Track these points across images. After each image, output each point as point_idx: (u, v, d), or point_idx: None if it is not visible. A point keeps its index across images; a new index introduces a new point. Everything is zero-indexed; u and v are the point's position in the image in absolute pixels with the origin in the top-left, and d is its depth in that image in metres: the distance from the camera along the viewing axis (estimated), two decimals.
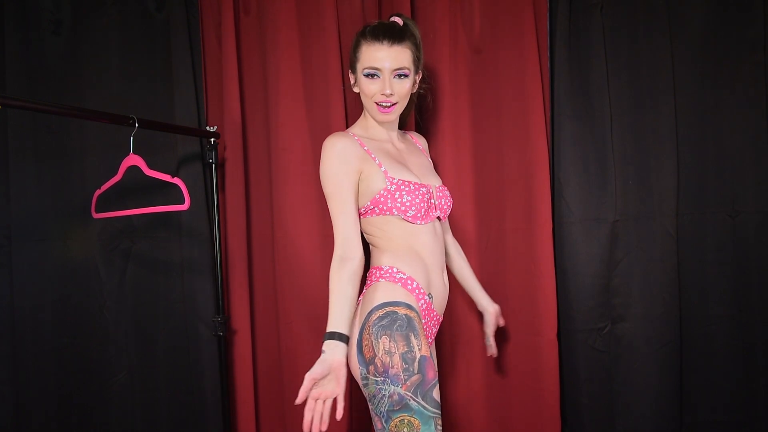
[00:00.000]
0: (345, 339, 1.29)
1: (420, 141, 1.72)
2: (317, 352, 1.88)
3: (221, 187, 1.96)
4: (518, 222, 1.88)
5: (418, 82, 1.55)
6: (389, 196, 1.42)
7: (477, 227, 1.91)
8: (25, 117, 1.94)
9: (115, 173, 1.67)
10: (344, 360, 1.27)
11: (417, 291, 1.43)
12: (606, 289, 1.84)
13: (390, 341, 1.33)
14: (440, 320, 1.54)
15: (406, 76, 1.45)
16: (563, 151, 1.84)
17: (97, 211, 1.75)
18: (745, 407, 1.82)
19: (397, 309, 1.37)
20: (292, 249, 1.90)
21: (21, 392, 1.96)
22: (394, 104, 1.46)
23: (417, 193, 1.44)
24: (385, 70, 1.43)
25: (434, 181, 1.56)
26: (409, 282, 1.43)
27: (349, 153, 1.43)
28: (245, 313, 1.94)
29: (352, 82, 1.54)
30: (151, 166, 1.64)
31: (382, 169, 1.44)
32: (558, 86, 1.84)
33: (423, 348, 1.34)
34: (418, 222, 1.46)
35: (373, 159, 1.45)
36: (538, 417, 1.86)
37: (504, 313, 1.89)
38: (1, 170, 1.95)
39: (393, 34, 1.43)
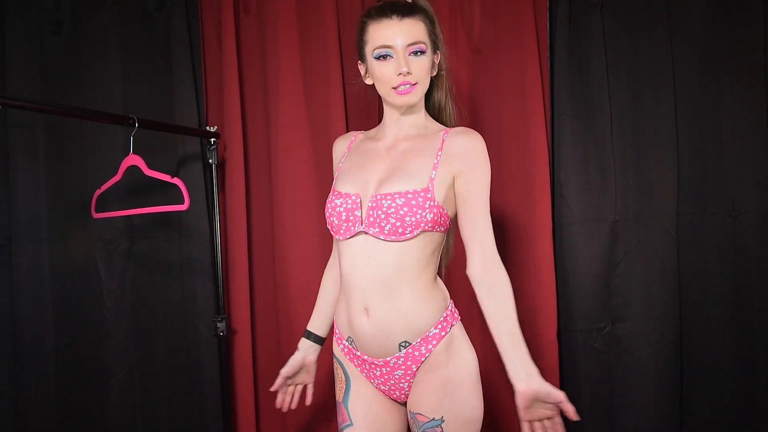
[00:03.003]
0: (320, 340, 1.50)
1: (454, 138, 1.32)
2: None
3: (221, 187, 1.96)
4: (518, 222, 1.88)
5: (437, 64, 1.36)
6: None
7: None
8: (25, 117, 1.94)
9: (115, 173, 1.67)
10: (315, 359, 1.51)
11: (336, 335, 1.41)
12: (606, 289, 1.84)
13: None
14: (376, 361, 1.31)
15: (423, 52, 1.27)
16: (563, 150, 1.84)
17: (97, 211, 1.74)
18: (745, 407, 1.81)
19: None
20: (292, 249, 1.90)
21: (21, 392, 1.96)
22: (414, 84, 1.27)
23: (333, 204, 1.32)
24: (398, 47, 1.25)
25: (386, 188, 1.26)
26: (335, 325, 1.43)
27: (334, 155, 1.48)
28: (245, 313, 1.94)
29: (362, 73, 1.36)
30: (151, 166, 1.64)
31: (335, 175, 1.40)
32: (558, 86, 1.84)
33: (337, 393, 1.41)
34: (338, 237, 1.33)
35: (341, 163, 1.40)
36: None
37: None
38: (1, 170, 1.95)
39: (402, 8, 1.27)
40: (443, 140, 1.32)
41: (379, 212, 1.24)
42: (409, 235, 1.24)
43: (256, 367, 1.99)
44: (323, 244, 1.89)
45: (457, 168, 1.29)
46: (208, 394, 1.92)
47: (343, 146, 1.46)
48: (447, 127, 1.40)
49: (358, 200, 1.28)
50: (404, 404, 1.40)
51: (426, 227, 1.24)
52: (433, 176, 1.27)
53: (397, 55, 1.25)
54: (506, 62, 1.87)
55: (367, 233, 1.26)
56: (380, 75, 1.28)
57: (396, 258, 1.26)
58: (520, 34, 1.84)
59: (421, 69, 1.27)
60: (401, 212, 1.23)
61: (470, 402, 1.29)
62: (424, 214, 1.23)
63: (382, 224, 1.23)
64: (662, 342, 1.81)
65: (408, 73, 1.25)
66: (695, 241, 1.82)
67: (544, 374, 1.83)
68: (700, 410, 1.83)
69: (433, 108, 1.43)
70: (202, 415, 1.94)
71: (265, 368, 2.00)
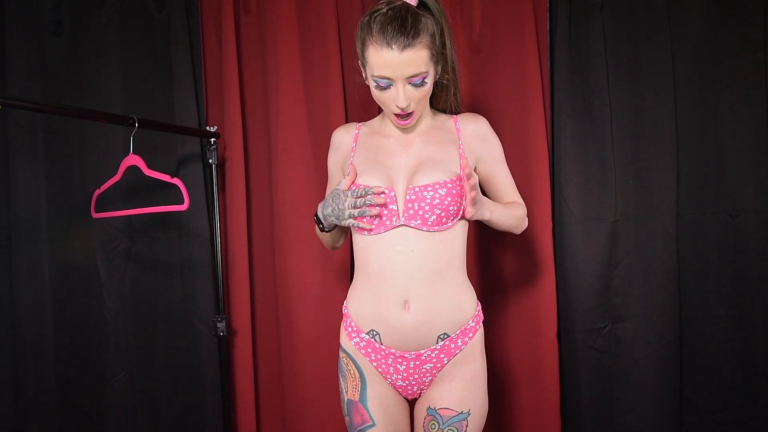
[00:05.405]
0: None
1: (465, 126, 1.41)
2: (318, 352, 1.89)
3: (221, 187, 1.96)
4: None
5: (439, 71, 1.32)
6: None
7: (477, 227, 1.91)
8: (25, 117, 1.94)
9: (114, 173, 1.67)
10: None
11: (350, 329, 1.37)
12: (606, 289, 1.84)
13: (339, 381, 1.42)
14: (407, 355, 1.31)
15: (423, 80, 1.25)
16: (563, 151, 1.84)
17: (96, 211, 1.75)
18: (745, 407, 1.81)
19: (340, 350, 1.41)
20: (293, 249, 1.90)
21: (21, 392, 1.96)
22: (413, 112, 1.30)
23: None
24: (398, 80, 1.23)
25: (422, 180, 1.28)
26: (345, 319, 1.40)
27: (336, 145, 1.47)
28: (245, 313, 1.94)
29: (363, 76, 1.33)
30: (151, 166, 1.64)
31: (347, 170, 1.37)
32: (558, 86, 1.84)
33: (350, 391, 1.35)
34: (365, 233, 1.30)
35: (351, 158, 1.38)
36: (538, 417, 1.86)
37: (504, 313, 1.90)
38: (1, 170, 1.95)
39: (404, 34, 1.19)
40: (457, 129, 1.40)
41: (422, 204, 1.25)
42: (451, 224, 1.28)
43: (256, 367, 1.99)
44: (323, 244, 1.89)
45: (478, 154, 1.39)
46: (208, 394, 1.92)
47: (348, 139, 1.44)
48: (445, 111, 1.45)
49: (392, 193, 1.28)
50: (411, 401, 1.41)
51: (463, 215, 1.29)
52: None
53: (396, 87, 1.24)
54: (506, 62, 1.87)
55: (408, 226, 1.27)
56: (379, 99, 1.30)
57: (443, 249, 1.29)
58: (520, 34, 1.84)
59: (421, 97, 1.28)
60: (446, 202, 1.25)
61: (485, 395, 1.35)
62: (463, 202, 1.27)
63: (426, 215, 1.25)
64: (662, 342, 1.81)
65: (407, 105, 1.26)
66: (695, 241, 1.82)
67: (545, 374, 1.85)
68: (700, 410, 1.83)
69: (434, 98, 1.43)
70: (202, 415, 1.94)
71: (265, 368, 2.00)
